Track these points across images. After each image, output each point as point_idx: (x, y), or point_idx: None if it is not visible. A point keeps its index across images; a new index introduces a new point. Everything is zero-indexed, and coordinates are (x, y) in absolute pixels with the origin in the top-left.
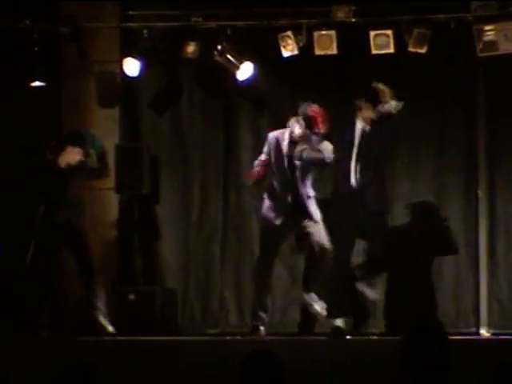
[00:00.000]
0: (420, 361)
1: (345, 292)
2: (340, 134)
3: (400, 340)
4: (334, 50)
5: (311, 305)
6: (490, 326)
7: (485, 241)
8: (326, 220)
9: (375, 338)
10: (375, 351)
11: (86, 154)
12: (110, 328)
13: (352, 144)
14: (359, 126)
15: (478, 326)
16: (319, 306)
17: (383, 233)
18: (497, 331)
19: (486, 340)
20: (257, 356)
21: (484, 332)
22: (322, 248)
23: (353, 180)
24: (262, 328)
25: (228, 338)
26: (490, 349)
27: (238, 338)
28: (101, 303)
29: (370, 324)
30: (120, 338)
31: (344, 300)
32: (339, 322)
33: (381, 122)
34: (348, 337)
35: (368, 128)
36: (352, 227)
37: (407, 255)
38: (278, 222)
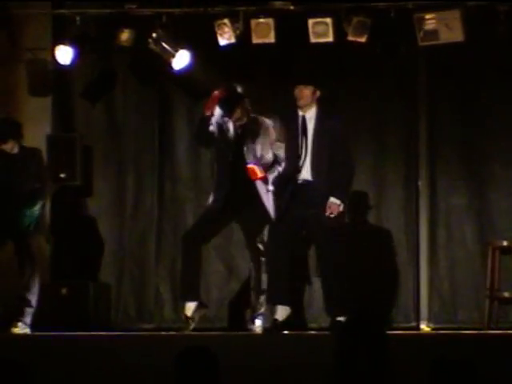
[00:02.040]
0: (356, 358)
1: (286, 279)
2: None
3: (336, 338)
4: (271, 39)
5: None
6: (430, 320)
7: (426, 233)
8: None
9: (313, 332)
10: (313, 346)
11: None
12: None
13: (296, 135)
14: (301, 114)
15: (418, 320)
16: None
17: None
18: (437, 326)
19: (426, 335)
20: (190, 352)
21: (424, 327)
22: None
23: (305, 174)
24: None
25: (163, 333)
26: (429, 344)
27: (174, 333)
28: (34, 301)
29: (310, 317)
30: (52, 333)
31: (285, 287)
32: (278, 315)
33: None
34: (285, 332)
35: (312, 117)
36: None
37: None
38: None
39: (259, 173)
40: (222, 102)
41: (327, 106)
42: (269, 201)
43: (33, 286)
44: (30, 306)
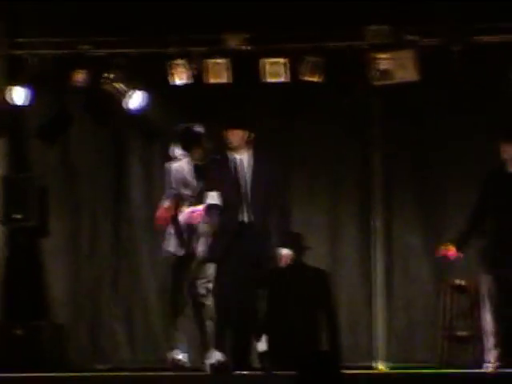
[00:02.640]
0: None
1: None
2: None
3: (294, 377)
4: (227, 79)
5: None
6: (387, 359)
7: (381, 272)
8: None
9: (260, 373)
10: None
11: None
12: None
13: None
14: (237, 157)
15: (374, 359)
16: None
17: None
18: (394, 365)
19: (382, 374)
20: None
21: (380, 366)
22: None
23: (243, 216)
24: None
25: (118, 373)
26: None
27: (129, 373)
28: None
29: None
30: (5, 374)
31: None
32: (219, 356)
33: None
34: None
35: (245, 159)
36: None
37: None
38: (180, 253)
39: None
40: (182, 140)
41: (264, 148)
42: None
43: None
44: None
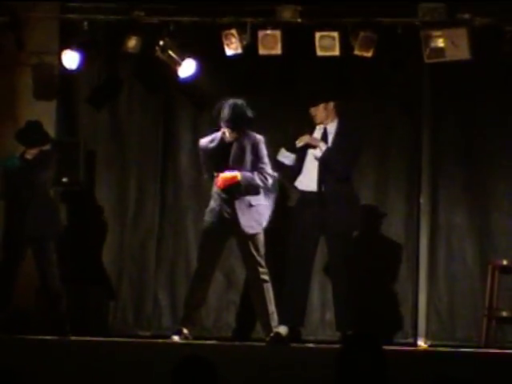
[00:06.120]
0: (355, 374)
1: (293, 298)
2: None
3: (337, 353)
4: (278, 51)
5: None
6: (427, 337)
7: (426, 250)
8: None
9: (311, 345)
10: (313, 359)
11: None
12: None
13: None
14: (319, 130)
15: (416, 336)
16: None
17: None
18: (435, 343)
19: (423, 351)
20: (189, 361)
21: (421, 343)
22: (253, 274)
23: (314, 185)
24: (185, 331)
25: (160, 340)
26: (426, 360)
27: (171, 341)
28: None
29: (308, 330)
30: (49, 337)
31: (290, 307)
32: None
33: (344, 129)
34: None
35: (329, 132)
36: (313, 234)
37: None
38: (215, 228)
39: (220, 181)
40: (232, 120)
41: (348, 120)
42: (249, 215)
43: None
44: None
